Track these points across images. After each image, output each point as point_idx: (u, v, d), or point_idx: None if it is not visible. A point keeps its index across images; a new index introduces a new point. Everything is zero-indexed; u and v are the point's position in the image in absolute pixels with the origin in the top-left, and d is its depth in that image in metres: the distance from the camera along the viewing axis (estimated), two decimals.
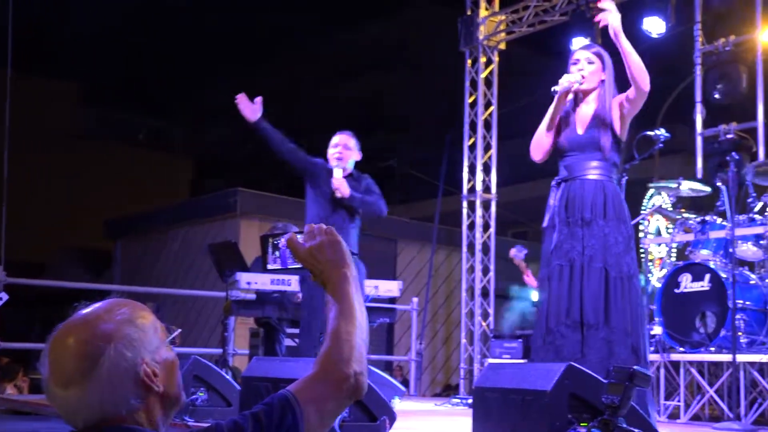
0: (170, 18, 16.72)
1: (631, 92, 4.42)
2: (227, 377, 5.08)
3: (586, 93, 4.53)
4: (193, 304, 13.39)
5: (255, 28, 18.20)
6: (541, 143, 4.53)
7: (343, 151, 5.99)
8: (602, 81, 4.50)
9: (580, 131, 4.47)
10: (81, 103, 21.99)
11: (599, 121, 4.41)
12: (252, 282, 7.03)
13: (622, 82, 4.54)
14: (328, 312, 1.80)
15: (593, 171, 4.41)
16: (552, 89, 4.43)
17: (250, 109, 5.72)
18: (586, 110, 4.51)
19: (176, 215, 15.14)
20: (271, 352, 7.45)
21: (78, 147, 21.29)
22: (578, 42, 10.53)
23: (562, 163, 4.50)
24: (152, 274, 14.49)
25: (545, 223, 4.45)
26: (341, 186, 5.75)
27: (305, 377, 1.73)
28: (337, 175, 5.79)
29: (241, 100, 5.72)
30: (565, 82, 4.44)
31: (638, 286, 4.31)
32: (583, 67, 4.50)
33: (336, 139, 6.05)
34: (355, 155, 6.09)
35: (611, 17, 4.47)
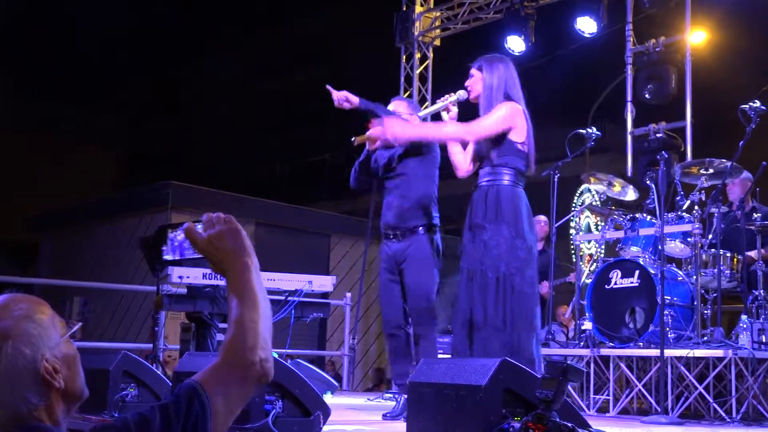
0: (96, 9, 16.40)
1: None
2: (158, 372, 5.00)
3: (477, 103, 4.70)
4: (124, 299, 13.18)
5: (184, 23, 17.98)
6: (455, 163, 4.76)
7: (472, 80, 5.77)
8: (484, 89, 4.63)
9: (482, 142, 4.63)
10: (4, 93, 21.43)
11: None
12: (184, 276, 6.94)
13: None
14: (229, 301, 1.77)
15: (487, 177, 4.59)
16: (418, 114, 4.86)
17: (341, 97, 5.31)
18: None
19: (106, 208, 14.90)
20: (203, 347, 7.36)
21: (1, 139, 20.77)
22: (512, 41, 10.64)
23: (477, 173, 4.69)
24: (81, 268, 14.21)
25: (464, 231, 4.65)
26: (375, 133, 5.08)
27: (211, 366, 1.71)
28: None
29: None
30: (426, 111, 4.95)
31: (520, 283, 4.39)
32: (469, 82, 4.72)
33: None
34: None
35: (391, 133, 4.60)
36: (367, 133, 5.20)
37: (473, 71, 4.71)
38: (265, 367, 1.73)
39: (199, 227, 1.82)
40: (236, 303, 1.76)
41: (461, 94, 4.66)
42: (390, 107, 5.52)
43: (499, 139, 4.53)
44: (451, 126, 4.65)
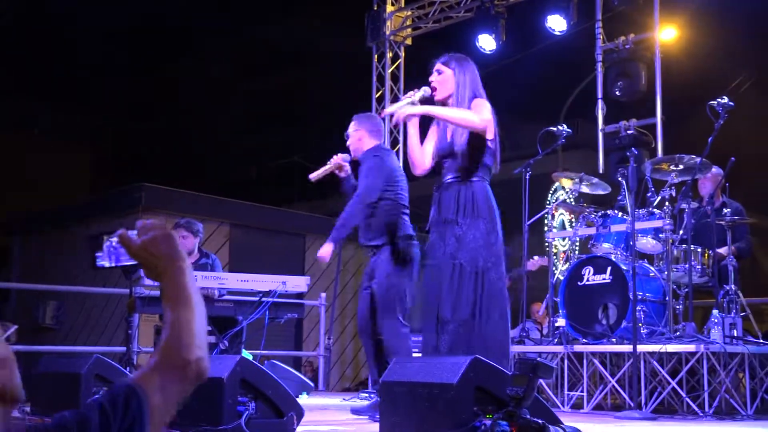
0: (71, 8, 16.28)
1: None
2: (130, 376, 4.97)
3: (444, 102, 4.68)
4: (97, 302, 13.09)
5: (159, 24, 17.88)
6: (414, 161, 4.69)
7: (351, 141, 6.01)
8: (456, 88, 4.60)
9: (448, 138, 4.62)
10: None
11: (459, 127, 4.53)
12: None
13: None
14: (164, 304, 1.80)
15: (457, 174, 4.57)
16: (382, 113, 4.81)
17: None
18: None
19: (79, 211, 14.77)
20: None
21: None
22: (483, 39, 10.66)
23: (441, 169, 4.64)
24: (54, 271, 14.09)
25: (427, 227, 4.63)
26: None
27: (148, 365, 1.75)
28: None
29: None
30: (391, 109, 4.80)
31: (496, 277, 4.41)
32: (433, 78, 4.67)
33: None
34: (363, 139, 5.94)
35: (402, 112, 4.65)
36: (329, 165, 5.82)
37: (442, 67, 4.66)
38: (201, 366, 1.78)
39: (133, 233, 1.85)
40: (171, 305, 1.80)
41: (426, 90, 4.65)
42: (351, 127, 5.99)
43: (470, 135, 4.54)
44: (464, 111, 4.56)
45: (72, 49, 18.08)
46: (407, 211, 5.82)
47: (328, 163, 4.99)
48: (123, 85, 19.86)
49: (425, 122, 4.69)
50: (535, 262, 8.73)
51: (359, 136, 5.92)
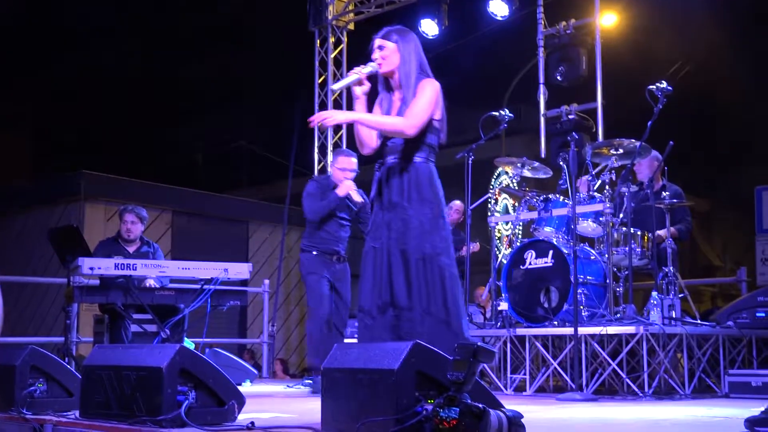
0: None
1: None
2: (68, 366, 4.87)
3: (390, 77, 4.53)
4: (35, 292, 12.85)
5: (97, 5, 17.56)
6: (362, 139, 4.54)
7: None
8: (401, 61, 4.49)
9: (392, 115, 4.49)
10: None
11: (405, 104, 4.43)
12: (95, 267, 6.79)
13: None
14: None
15: (399, 154, 4.43)
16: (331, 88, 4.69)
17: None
18: (396, 95, 4.53)
19: (16, 198, 14.46)
20: (117, 339, 7.22)
21: None
22: (425, 24, 10.65)
23: (384, 149, 4.54)
24: None
25: (368, 206, 4.52)
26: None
27: None
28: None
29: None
30: (338, 85, 4.64)
31: (445, 263, 4.30)
32: (376, 55, 4.51)
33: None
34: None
35: (331, 119, 4.65)
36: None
37: (383, 42, 4.49)
38: None
39: None
40: None
41: (374, 66, 4.47)
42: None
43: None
44: (392, 118, 4.42)
45: (3, 33, 17.68)
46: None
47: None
48: (59, 69, 19.49)
49: (372, 98, 4.57)
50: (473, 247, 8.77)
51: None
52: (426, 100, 4.38)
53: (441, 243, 4.32)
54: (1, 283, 6.83)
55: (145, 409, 3.77)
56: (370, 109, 4.58)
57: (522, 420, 3.03)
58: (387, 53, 4.48)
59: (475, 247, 8.62)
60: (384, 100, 4.59)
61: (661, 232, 7.00)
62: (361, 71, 4.45)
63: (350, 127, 11.36)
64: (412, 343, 3.17)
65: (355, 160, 7.14)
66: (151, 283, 7.41)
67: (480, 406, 2.81)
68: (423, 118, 4.36)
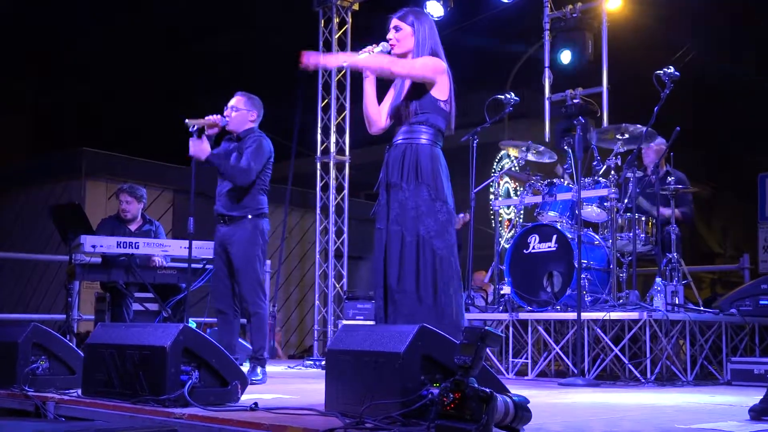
0: None
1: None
2: (70, 344, 4.86)
3: (403, 59, 4.50)
4: (36, 270, 12.83)
5: None
6: (370, 118, 4.54)
7: (230, 113, 6.09)
8: (416, 44, 4.48)
9: (401, 98, 4.48)
10: None
11: (414, 85, 4.42)
12: (97, 245, 6.78)
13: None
14: None
15: (403, 135, 4.42)
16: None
17: None
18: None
19: (17, 176, 14.42)
20: (119, 317, 7.22)
21: None
22: (431, 6, 10.59)
23: (393, 130, 4.53)
24: None
25: (375, 188, 4.51)
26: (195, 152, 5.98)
27: None
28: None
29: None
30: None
31: (438, 246, 4.26)
32: (391, 36, 4.49)
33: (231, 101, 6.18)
34: (247, 116, 6.09)
35: (326, 60, 4.78)
36: (206, 119, 5.95)
37: (400, 23, 4.47)
38: None
39: None
40: None
41: (385, 46, 4.46)
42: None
43: (421, 94, 4.38)
44: (380, 57, 4.43)
45: (3, 12, 17.58)
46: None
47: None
48: (61, 47, 19.39)
49: (383, 80, 4.56)
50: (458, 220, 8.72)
51: (246, 117, 6.08)
52: (421, 61, 4.41)
53: (435, 226, 4.27)
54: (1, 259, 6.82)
55: (148, 388, 3.77)
56: (384, 92, 4.59)
57: (528, 405, 3.01)
58: (402, 35, 4.47)
59: (465, 217, 8.61)
60: (395, 85, 4.58)
61: (665, 211, 6.98)
62: (373, 50, 4.43)
63: (353, 106, 11.33)
64: (418, 326, 3.15)
65: None
66: (157, 260, 7.40)
67: (487, 390, 2.79)
68: (411, 66, 4.40)
